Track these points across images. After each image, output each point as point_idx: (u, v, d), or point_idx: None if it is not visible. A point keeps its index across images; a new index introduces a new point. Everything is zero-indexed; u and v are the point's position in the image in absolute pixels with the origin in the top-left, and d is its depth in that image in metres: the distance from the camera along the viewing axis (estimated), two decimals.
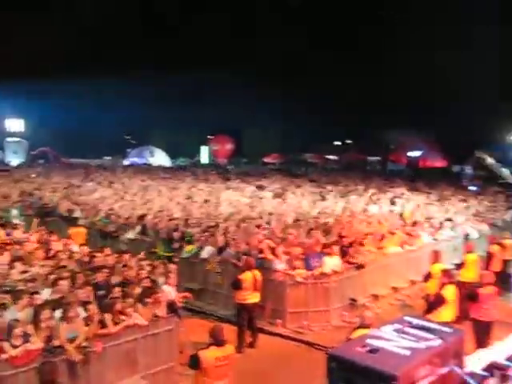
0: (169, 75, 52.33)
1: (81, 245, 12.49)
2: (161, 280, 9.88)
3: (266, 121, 58.55)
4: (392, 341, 4.04)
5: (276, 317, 11.62)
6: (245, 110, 56.68)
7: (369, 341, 4.04)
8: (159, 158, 60.18)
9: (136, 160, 58.22)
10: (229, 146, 66.02)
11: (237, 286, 10.53)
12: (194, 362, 6.46)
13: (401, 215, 17.34)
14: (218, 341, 6.60)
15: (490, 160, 15.90)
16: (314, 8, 56.76)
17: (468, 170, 17.33)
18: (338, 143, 69.29)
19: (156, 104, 55.23)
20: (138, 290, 9.05)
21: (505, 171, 17.82)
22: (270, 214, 17.43)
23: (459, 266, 12.10)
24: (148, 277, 9.79)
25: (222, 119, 57.41)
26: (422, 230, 15.35)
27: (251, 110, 56.97)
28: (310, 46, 56.91)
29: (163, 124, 60.55)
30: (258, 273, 10.64)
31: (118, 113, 53.53)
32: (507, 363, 5.24)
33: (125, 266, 10.32)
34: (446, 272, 9.28)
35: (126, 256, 11.11)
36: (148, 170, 42.11)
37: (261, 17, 58.28)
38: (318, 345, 10.16)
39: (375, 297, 12.97)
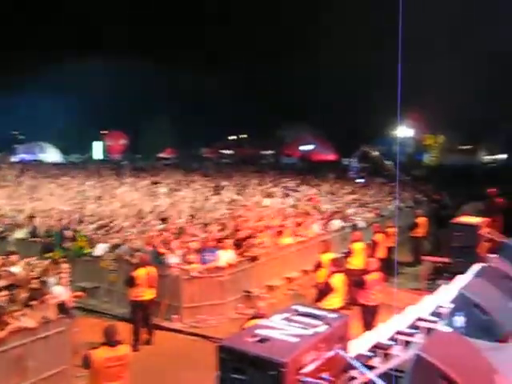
0: (57, 65, 50.25)
1: None
2: (52, 280, 9.54)
3: (161, 116, 57.75)
4: (281, 329, 4.17)
5: (172, 312, 11.62)
6: (141, 105, 55.65)
7: (259, 331, 4.15)
8: (50, 154, 57.57)
9: (25, 156, 55.32)
10: (122, 142, 64.47)
11: (130, 283, 10.40)
12: (86, 363, 6.33)
13: (293, 207, 17.83)
14: (110, 341, 6.50)
15: (374, 153, 16.72)
16: None
17: (354, 163, 18.15)
18: (233, 138, 69.92)
19: (47, 98, 52.59)
20: (25, 293, 8.67)
21: (388, 164, 18.89)
22: (164, 208, 17.29)
23: (347, 255, 12.67)
24: (37, 278, 9.41)
25: (116, 114, 55.97)
26: (313, 221, 15.91)
27: (147, 105, 56.01)
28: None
29: (55, 119, 57.83)
30: (152, 269, 10.56)
31: (5, 107, 50.55)
32: (389, 343, 5.61)
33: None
34: (334, 261, 9.70)
35: (14, 257, 10.60)
36: (38, 166, 40.19)
37: None
38: (214, 338, 10.27)
39: (270, 288, 13.30)
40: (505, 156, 32.92)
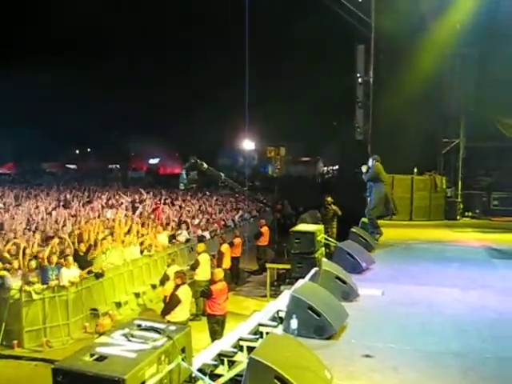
0: None
1: None
2: None
3: None
4: (120, 345, 4.13)
5: (12, 338, 10.90)
6: None
7: (97, 349, 4.08)
8: None
9: None
10: None
11: None
12: None
13: (139, 219, 17.54)
14: None
15: (205, 165, 16.91)
16: None
17: (183, 174, 18.27)
18: (77, 151, 67.52)
19: None
20: None
21: (222, 174, 19.41)
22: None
23: (194, 266, 12.81)
24: None
25: None
26: (159, 234, 15.83)
27: None
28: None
29: None
30: None
31: None
32: (233, 350, 5.80)
33: None
34: (178, 273, 9.75)
35: None
36: None
37: None
38: (57, 361, 9.78)
39: (117, 304, 13.03)
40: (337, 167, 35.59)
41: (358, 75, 19.30)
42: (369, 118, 18.86)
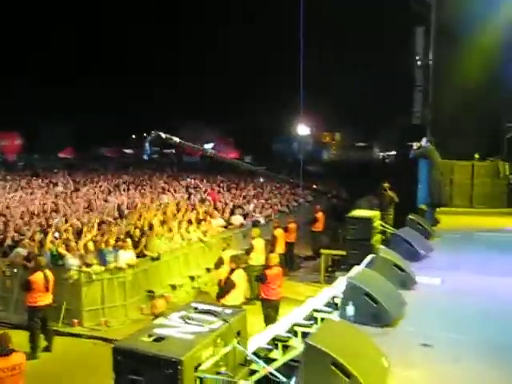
0: None
1: None
2: None
3: (61, 117, 55.55)
4: (177, 327, 4.17)
5: (72, 316, 11.28)
6: (39, 105, 53.31)
7: (155, 330, 4.14)
8: None
9: None
10: (18, 142, 61.14)
11: (27, 288, 9.96)
12: None
13: (193, 204, 17.72)
14: (2, 350, 6.18)
15: (175, 138, 16.41)
16: None
17: (147, 146, 18.10)
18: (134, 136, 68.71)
19: None
20: None
21: (207, 148, 19.36)
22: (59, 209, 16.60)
23: (249, 251, 12.85)
24: None
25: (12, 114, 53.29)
26: (214, 218, 15.94)
27: (45, 104, 53.68)
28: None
29: None
30: (49, 272, 10.17)
31: None
32: (288, 335, 5.77)
33: None
34: (233, 258, 9.80)
35: None
36: None
37: None
38: (115, 340, 10.05)
39: (173, 286, 13.24)
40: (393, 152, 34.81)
41: (417, 58, 18.65)
42: (428, 103, 18.24)
